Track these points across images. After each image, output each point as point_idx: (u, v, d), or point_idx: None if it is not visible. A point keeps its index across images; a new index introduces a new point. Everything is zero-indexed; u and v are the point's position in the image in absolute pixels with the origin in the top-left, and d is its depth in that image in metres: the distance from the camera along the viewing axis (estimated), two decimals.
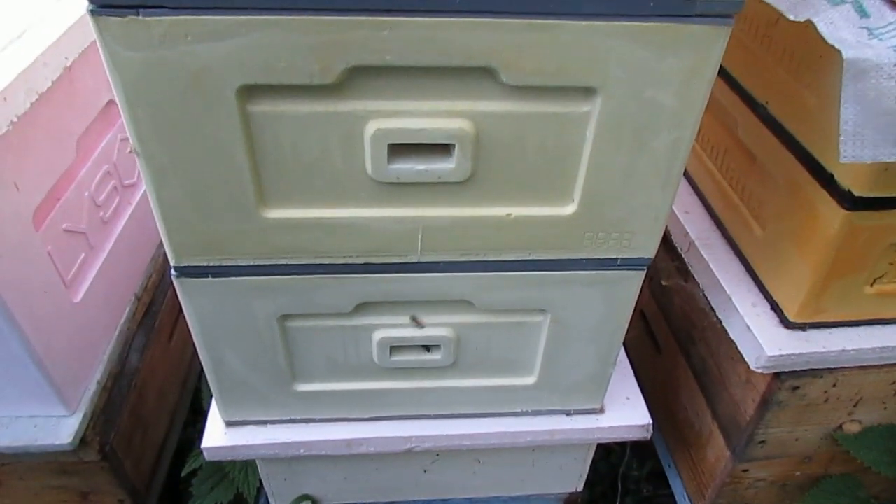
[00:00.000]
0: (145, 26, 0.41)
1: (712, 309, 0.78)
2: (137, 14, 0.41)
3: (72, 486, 0.82)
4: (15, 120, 0.62)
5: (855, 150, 0.50)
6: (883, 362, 0.71)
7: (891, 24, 0.50)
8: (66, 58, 0.71)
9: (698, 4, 0.43)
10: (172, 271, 0.56)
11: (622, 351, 0.77)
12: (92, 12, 0.41)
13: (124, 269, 0.87)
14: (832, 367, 0.71)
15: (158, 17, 0.41)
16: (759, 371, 0.70)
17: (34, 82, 0.65)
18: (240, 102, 0.46)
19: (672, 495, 0.99)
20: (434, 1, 0.42)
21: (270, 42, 0.43)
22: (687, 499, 0.94)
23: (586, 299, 0.62)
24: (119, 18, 0.41)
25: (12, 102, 0.62)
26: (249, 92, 0.46)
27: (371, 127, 0.48)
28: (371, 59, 0.44)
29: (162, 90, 0.44)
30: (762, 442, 0.78)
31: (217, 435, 0.71)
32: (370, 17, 0.42)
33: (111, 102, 0.81)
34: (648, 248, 0.58)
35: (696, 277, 0.82)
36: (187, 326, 0.61)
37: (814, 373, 0.71)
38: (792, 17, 0.54)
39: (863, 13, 0.51)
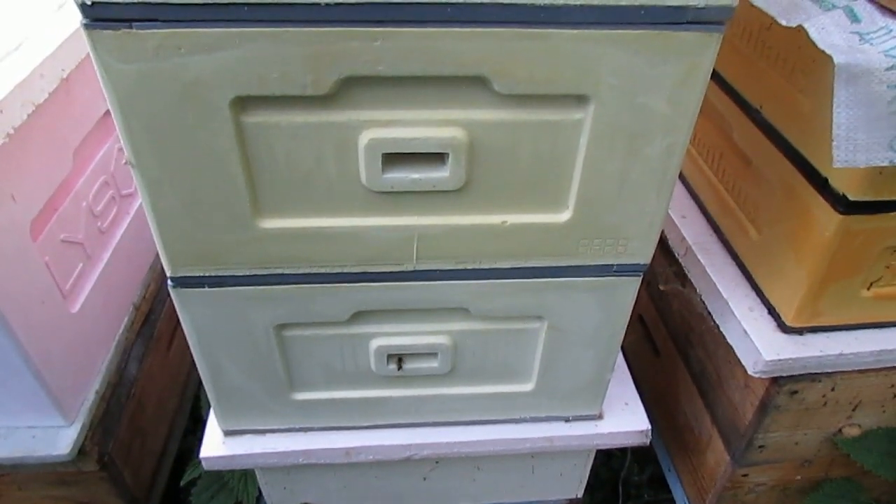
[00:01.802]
0: (139, 39, 0.42)
1: (709, 313, 0.78)
2: (131, 27, 0.41)
3: (71, 497, 0.82)
4: (11, 132, 0.62)
5: (848, 154, 0.50)
6: (881, 365, 0.71)
7: (882, 28, 0.50)
8: (63, 69, 0.71)
9: (689, 12, 0.43)
10: (169, 281, 0.57)
11: (620, 356, 0.77)
12: (86, 26, 0.41)
13: (122, 278, 0.87)
14: (830, 370, 0.71)
15: (152, 31, 0.41)
16: (757, 376, 0.70)
17: (31, 94, 0.65)
18: (233, 113, 0.46)
19: (673, 500, 0.99)
20: (426, 11, 0.42)
21: (263, 54, 0.43)
22: None
23: (583, 305, 0.62)
24: (113, 32, 0.41)
25: (9, 114, 0.62)
26: (243, 103, 0.46)
27: (365, 137, 0.48)
28: (363, 69, 0.44)
29: (156, 102, 0.45)
30: (762, 446, 0.78)
31: (216, 444, 0.71)
32: (362, 28, 0.42)
33: (108, 113, 0.80)
34: (644, 254, 0.58)
35: (693, 282, 0.82)
36: (186, 335, 0.61)
37: (812, 377, 0.71)
38: (784, 23, 0.54)
39: (854, 18, 0.52)
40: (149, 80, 0.44)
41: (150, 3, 0.40)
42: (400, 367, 0.66)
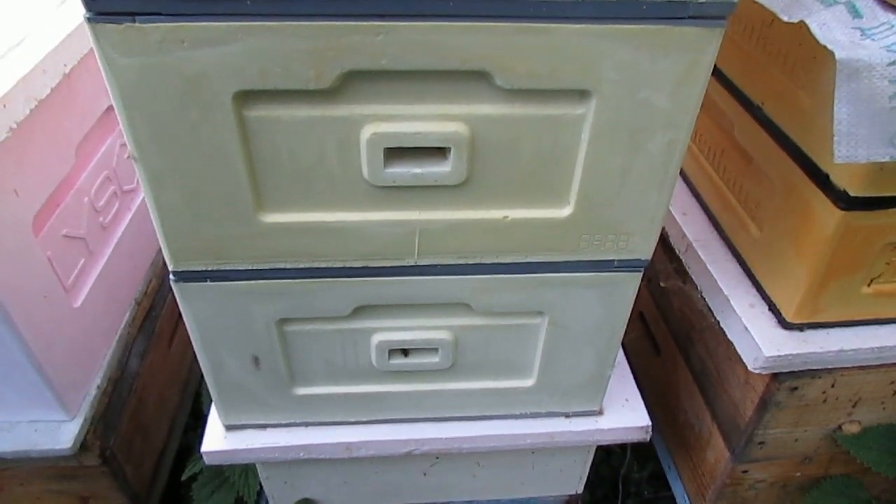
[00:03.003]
0: (142, 33, 0.42)
1: (710, 310, 0.78)
2: (134, 21, 0.41)
3: (72, 491, 0.82)
4: (14, 126, 0.62)
5: (849, 150, 0.50)
6: (881, 362, 0.72)
7: (883, 24, 0.50)
8: (65, 64, 0.71)
9: (691, 7, 0.43)
10: (171, 276, 0.57)
11: (621, 352, 0.77)
12: (89, 19, 0.41)
13: (124, 273, 0.87)
14: (830, 367, 0.71)
15: (155, 24, 0.42)
16: (758, 372, 0.70)
17: (33, 89, 0.65)
18: (236, 108, 0.46)
19: (673, 497, 0.99)
20: (428, 5, 0.42)
21: (266, 48, 0.43)
22: (687, 500, 0.94)
23: (584, 301, 0.62)
24: (116, 25, 0.41)
25: (12, 109, 0.62)
26: (246, 97, 0.46)
27: (367, 131, 0.48)
28: (366, 63, 0.44)
29: (159, 96, 0.45)
30: (762, 443, 0.78)
31: (217, 439, 0.71)
32: (365, 23, 0.43)
33: (110, 108, 0.81)
34: (645, 250, 0.58)
35: (694, 279, 0.82)
36: (187, 331, 0.62)
37: (812, 373, 0.71)
38: (785, 19, 0.55)
39: (856, 14, 0.52)
40: (152, 74, 0.44)
41: None
42: (406, 355, 0.66)
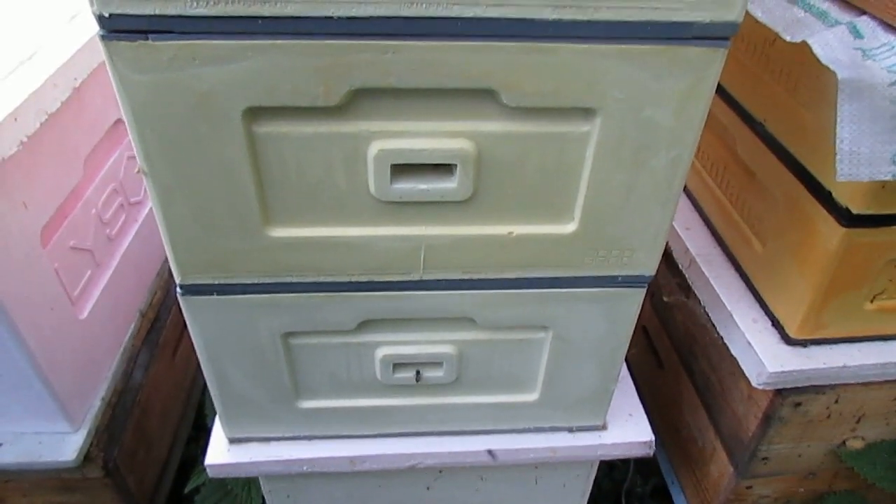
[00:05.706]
0: (154, 50, 0.42)
1: (713, 325, 0.78)
2: (147, 39, 0.42)
3: (75, 503, 0.82)
4: (24, 140, 0.63)
5: (851, 168, 0.51)
6: (885, 378, 0.72)
7: (885, 45, 0.51)
8: (76, 78, 0.72)
9: (694, 27, 0.44)
10: (178, 289, 0.57)
11: (624, 367, 0.77)
12: (103, 37, 0.42)
13: (130, 285, 0.88)
14: (834, 383, 0.71)
15: (167, 42, 0.42)
16: (761, 388, 0.70)
17: (44, 103, 0.66)
18: (245, 124, 0.47)
19: None
20: (436, 25, 0.43)
21: (275, 65, 0.44)
22: None
23: (588, 316, 0.62)
24: (129, 43, 0.42)
25: (22, 123, 0.63)
26: (255, 113, 0.47)
27: (374, 147, 0.49)
28: (374, 81, 0.45)
29: (169, 112, 0.45)
30: (765, 458, 0.78)
31: (220, 452, 0.72)
32: (373, 41, 0.43)
33: (119, 121, 0.82)
34: (649, 266, 0.59)
35: (697, 294, 0.82)
36: (191, 342, 0.62)
37: (815, 389, 0.71)
38: (788, 38, 0.55)
39: (857, 34, 0.52)
40: (163, 91, 0.44)
41: (165, 16, 0.41)
42: (418, 380, 0.66)
